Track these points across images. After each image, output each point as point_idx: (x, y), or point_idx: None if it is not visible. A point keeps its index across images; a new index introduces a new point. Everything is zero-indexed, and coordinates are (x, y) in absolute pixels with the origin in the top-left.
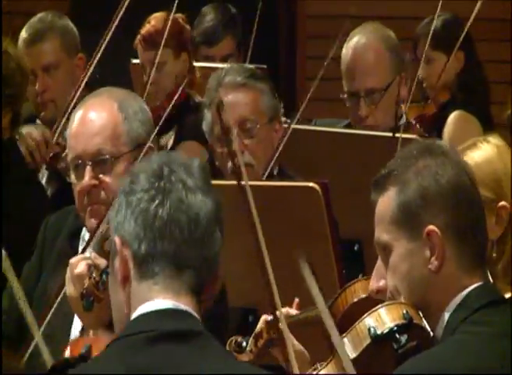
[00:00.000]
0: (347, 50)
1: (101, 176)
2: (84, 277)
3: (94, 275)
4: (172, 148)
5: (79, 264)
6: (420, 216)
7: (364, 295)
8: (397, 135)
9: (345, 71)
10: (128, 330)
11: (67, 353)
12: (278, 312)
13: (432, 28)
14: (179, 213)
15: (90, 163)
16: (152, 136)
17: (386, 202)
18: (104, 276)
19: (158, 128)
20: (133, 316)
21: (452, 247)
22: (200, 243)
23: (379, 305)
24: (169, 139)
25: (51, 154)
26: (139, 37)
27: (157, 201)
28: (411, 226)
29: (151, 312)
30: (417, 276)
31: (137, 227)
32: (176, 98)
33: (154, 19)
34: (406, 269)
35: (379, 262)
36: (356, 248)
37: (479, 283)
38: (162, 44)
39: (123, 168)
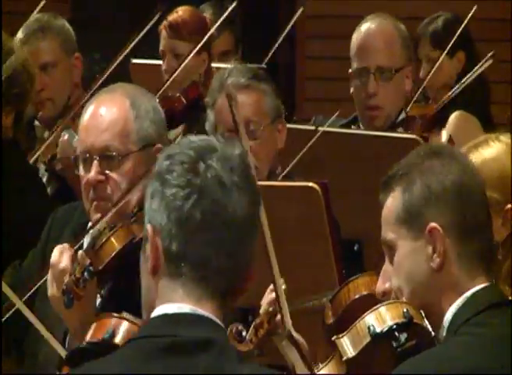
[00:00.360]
0: (359, 32)
1: (107, 172)
2: (66, 273)
3: (75, 272)
4: None
5: (62, 259)
6: (423, 214)
7: (366, 292)
8: (397, 135)
9: (356, 49)
10: (145, 331)
11: (90, 332)
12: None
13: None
14: (213, 216)
15: (97, 158)
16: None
17: (392, 202)
18: (86, 273)
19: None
20: (153, 313)
21: (454, 246)
22: (232, 247)
23: (380, 304)
24: (178, 135)
25: (50, 155)
26: (165, 22)
27: (191, 201)
28: (415, 225)
29: (169, 314)
30: (420, 274)
31: (170, 223)
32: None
33: (183, 10)
34: (408, 267)
35: (387, 264)
36: (356, 248)
37: (483, 285)
38: (206, 37)
39: (131, 166)
